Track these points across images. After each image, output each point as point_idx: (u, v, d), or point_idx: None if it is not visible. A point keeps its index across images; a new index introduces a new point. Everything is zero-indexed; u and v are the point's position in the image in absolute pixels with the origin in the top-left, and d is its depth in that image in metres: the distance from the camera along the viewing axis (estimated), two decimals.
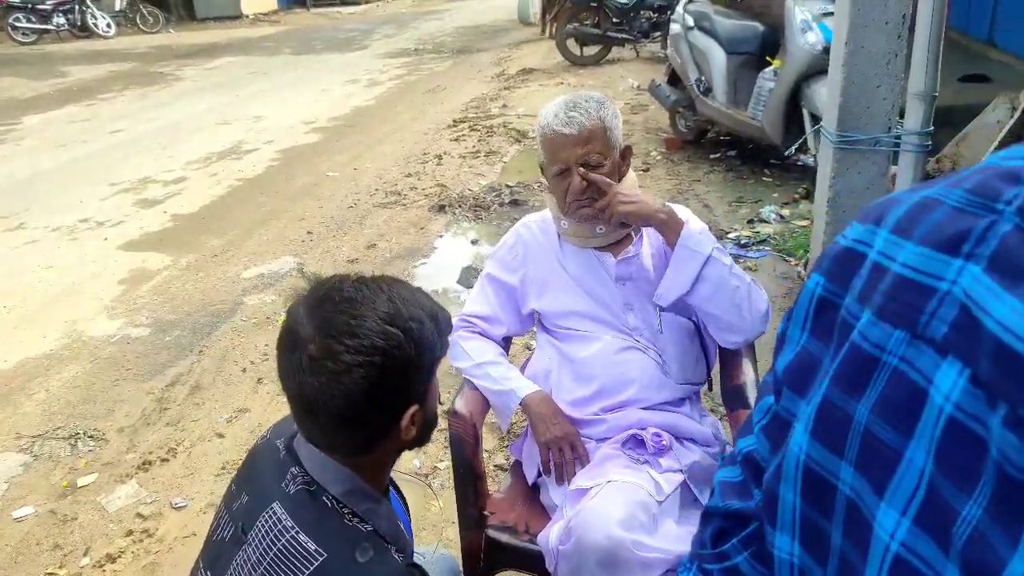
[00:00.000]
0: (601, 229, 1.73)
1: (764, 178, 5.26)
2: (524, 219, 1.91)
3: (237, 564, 1.03)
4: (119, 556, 2.37)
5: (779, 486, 0.63)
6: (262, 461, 1.14)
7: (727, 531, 0.77)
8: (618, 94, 7.90)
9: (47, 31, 14.79)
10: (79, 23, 14.95)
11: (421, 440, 1.14)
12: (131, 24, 15.87)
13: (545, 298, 1.80)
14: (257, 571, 1.00)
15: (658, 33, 9.30)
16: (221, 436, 2.91)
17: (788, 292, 3.64)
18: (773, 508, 0.65)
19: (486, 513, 1.72)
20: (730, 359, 1.84)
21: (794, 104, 4.65)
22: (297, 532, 1.00)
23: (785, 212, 4.58)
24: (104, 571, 2.33)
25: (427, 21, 16.56)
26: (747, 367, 1.80)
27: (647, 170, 5.56)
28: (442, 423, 1.59)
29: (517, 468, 1.87)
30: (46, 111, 8.98)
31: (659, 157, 5.94)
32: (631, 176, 1.77)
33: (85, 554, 2.39)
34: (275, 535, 1.01)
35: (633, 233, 1.78)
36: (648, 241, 1.77)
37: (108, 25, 15.19)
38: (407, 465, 2.60)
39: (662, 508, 1.50)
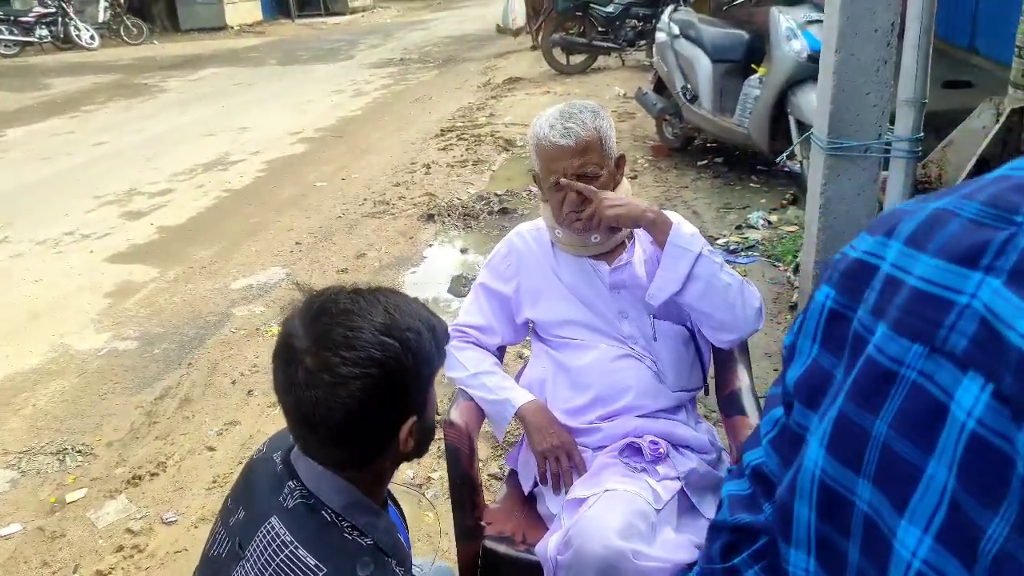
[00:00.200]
0: (596, 238, 1.73)
1: (751, 184, 5.29)
2: (517, 228, 1.90)
3: None
4: (109, 573, 2.34)
5: (794, 502, 0.63)
6: (258, 475, 1.12)
7: (736, 545, 0.76)
8: (605, 102, 7.92)
9: (30, 43, 14.67)
10: (62, 35, 14.83)
11: (420, 451, 1.14)
12: (115, 36, 15.77)
13: (539, 307, 1.80)
14: None
15: (643, 42, 9.35)
16: (212, 449, 2.87)
17: (778, 297, 3.66)
18: (787, 524, 0.64)
19: (483, 524, 1.71)
20: (725, 365, 1.84)
21: (780, 111, 4.69)
22: (296, 547, 0.99)
23: (773, 218, 4.61)
24: None
25: (412, 31, 16.56)
26: (742, 373, 1.80)
27: (635, 177, 5.58)
28: (436, 434, 1.58)
29: (512, 478, 1.86)
30: (29, 124, 8.91)
31: (647, 165, 5.96)
32: (625, 184, 1.77)
33: (74, 571, 2.36)
34: (274, 550, 0.99)
35: (626, 240, 1.78)
36: (640, 248, 1.77)
37: (91, 37, 15.07)
38: (401, 476, 2.58)
39: (660, 516, 1.49)
